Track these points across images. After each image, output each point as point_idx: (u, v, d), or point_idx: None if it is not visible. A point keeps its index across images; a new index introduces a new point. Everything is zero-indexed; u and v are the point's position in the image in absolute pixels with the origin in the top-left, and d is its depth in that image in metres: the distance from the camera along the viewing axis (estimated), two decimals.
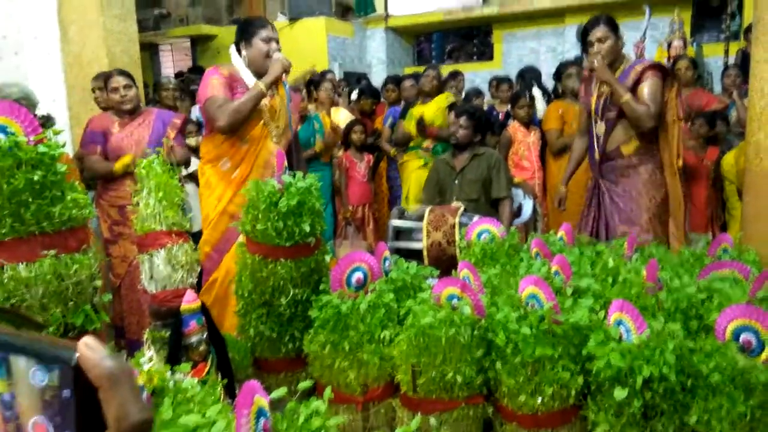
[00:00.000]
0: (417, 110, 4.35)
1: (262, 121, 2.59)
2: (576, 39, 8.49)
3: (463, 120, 3.38)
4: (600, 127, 2.86)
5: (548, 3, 8.18)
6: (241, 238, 2.08)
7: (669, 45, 5.46)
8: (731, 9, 6.78)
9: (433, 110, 4.31)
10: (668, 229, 2.83)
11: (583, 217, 3.00)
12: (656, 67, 2.76)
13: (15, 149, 1.28)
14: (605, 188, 2.88)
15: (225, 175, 2.56)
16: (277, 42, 2.62)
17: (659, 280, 1.89)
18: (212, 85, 2.51)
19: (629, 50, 7.73)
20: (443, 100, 4.36)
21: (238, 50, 2.63)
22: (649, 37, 5.15)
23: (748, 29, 6.07)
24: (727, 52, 6.52)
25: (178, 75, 5.53)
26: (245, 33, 2.60)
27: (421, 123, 4.23)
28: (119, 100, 3.02)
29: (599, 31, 2.78)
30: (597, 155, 2.88)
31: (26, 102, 2.88)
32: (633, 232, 2.67)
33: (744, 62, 5.71)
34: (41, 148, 1.33)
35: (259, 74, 2.58)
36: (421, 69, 7.46)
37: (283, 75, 2.57)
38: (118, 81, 3.01)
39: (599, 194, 2.91)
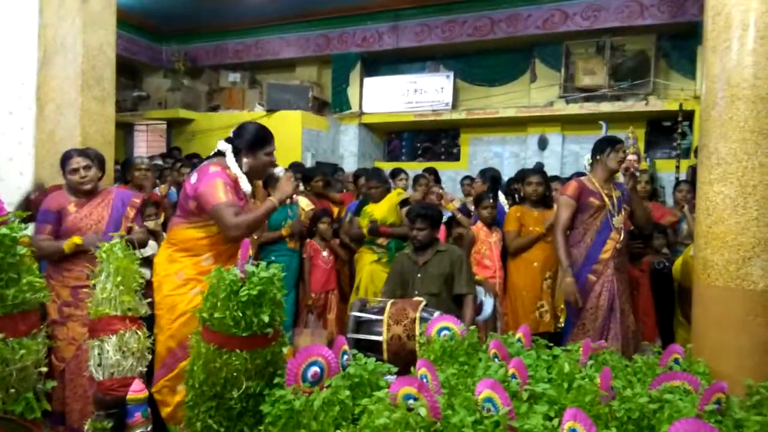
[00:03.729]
0: (369, 208, 4.48)
1: None
2: (537, 147, 8.97)
3: (419, 223, 3.49)
4: (618, 221, 3.38)
5: (512, 112, 8.67)
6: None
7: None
8: (682, 129, 7.31)
9: (384, 208, 4.44)
10: None
11: (606, 315, 3.31)
12: None
13: None
14: (619, 283, 3.34)
15: (206, 271, 2.39)
16: (273, 154, 2.68)
17: (612, 389, 1.91)
18: (219, 188, 2.45)
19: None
20: (394, 196, 4.53)
21: (237, 154, 2.59)
22: None
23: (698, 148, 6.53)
24: (678, 167, 6.95)
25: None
26: (251, 143, 2.59)
27: (374, 225, 4.35)
28: (79, 181, 2.97)
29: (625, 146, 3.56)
30: (616, 248, 3.34)
31: None
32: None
33: (694, 178, 6.08)
34: (3, 230, 1.32)
35: (251, 181, 2.62)
36: (390, 164, 7.74)
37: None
38: (78, 162, 2.98)
39: (615, 288, 3.32)
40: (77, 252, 2.87)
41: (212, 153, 2.69)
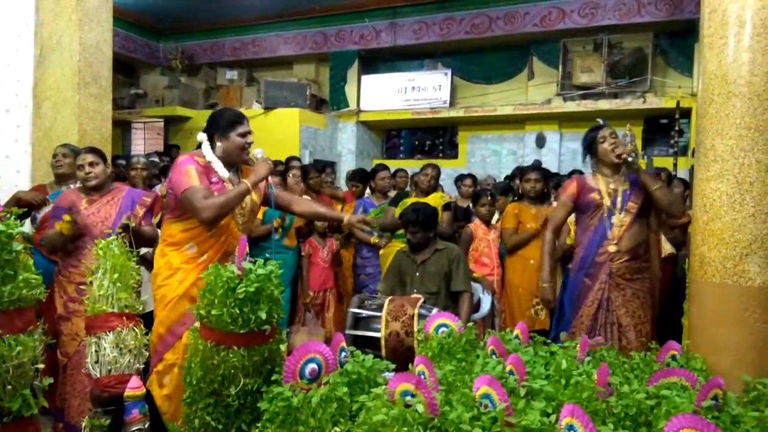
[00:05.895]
0: (409, 201, 4.42)
1: None
2: (535, 144, 8.97)
3: (411, 228, 3.48)
4: (618, 219, 3.00)
5: (510, 110, 8.66)
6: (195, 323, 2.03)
7: None
8: (679, 126, 7.31)
9: None
10: None
11: (592, 325, 3.00)
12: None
13: None
14: (616, 292, 2.99)
15: (190, 259, 2.53)
16: (251, 135, 2.68)
17: (610, 385, 1.91)
18: (190, 174, 2.49)
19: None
20: (438, 198, 4.48)
21: (211, 139, 2.64)
22: None
23: (695, 145, 6.53)
24: (675, 165, 6.96)
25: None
26: (222, 125, 2.61)
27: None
28: (84, 177, 3.04)
29: (608, 130, 3.12)
30: (610, 251, 2.99)
31: None
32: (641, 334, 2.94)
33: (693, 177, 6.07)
34: None
35: (230, 165, 2.63)
36: (389, 162, 7.74)
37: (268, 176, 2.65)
38: (84, 158, 3.05)
39: (608, 297, 3.00)
40: (84, 249, 2.89)
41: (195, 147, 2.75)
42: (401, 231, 4.40)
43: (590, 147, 3.18)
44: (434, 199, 4.43)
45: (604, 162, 3.12)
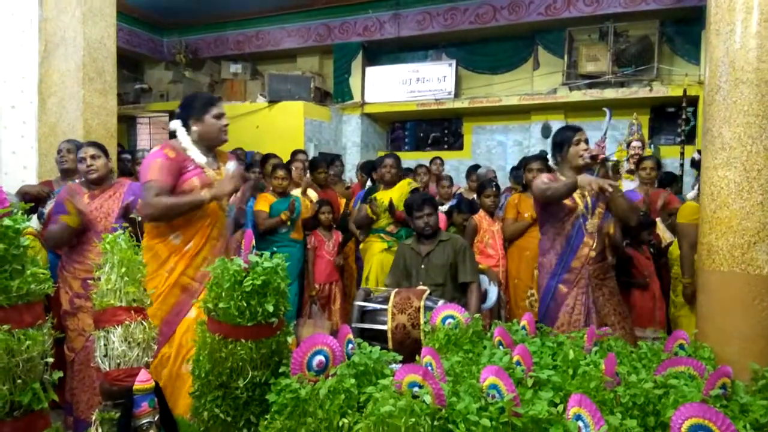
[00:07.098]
0: (380, 195, 4.43)
1: None
2: (541, 135, 8.94)
3: (427, 209, 3.46)
4: (591, 224, 2.97)
5: (515, 100, 8.62)
6: (194, 312, 2.02)
7: (628, 145, 5.77)
8: (686, 115, 7.26)
9: (395, 196, 4.40)
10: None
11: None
12: None
13: None
14: (598, 293, 2.97)
15: (177, 248, 2.51)
16: (225, 117, 2.63)
17: (617, 374, 1.91)
18: (153, 167, 2.45)
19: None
20: (405, 186, 4.48)
21: (186, 125, 2.59)
22: (609, 137, 5.43)
23: (702, 133, 6.49)
24: (682, 154, 6.92)
25: None
26: (197, 108, 2.57)
27: (391, 206, 4.31)
28: (85, 170, 3.06)
29: (585, 135, 3.02)
30: (587, 255, 2.96)
31: None
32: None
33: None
34: (6, 222, 1.32)
35: (209, 149, 2.61)
36: (396, 154, 7.71)
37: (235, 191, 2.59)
38: (86, 151, 3.07)
39: (590, 300, 2.95)
40: (88, 244, 2.91)
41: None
42: (378, 225, 4.39)
43: (561, 146, 3.05)
44: (401, 187, 4.44)
45: (570, 164, 3.01)
